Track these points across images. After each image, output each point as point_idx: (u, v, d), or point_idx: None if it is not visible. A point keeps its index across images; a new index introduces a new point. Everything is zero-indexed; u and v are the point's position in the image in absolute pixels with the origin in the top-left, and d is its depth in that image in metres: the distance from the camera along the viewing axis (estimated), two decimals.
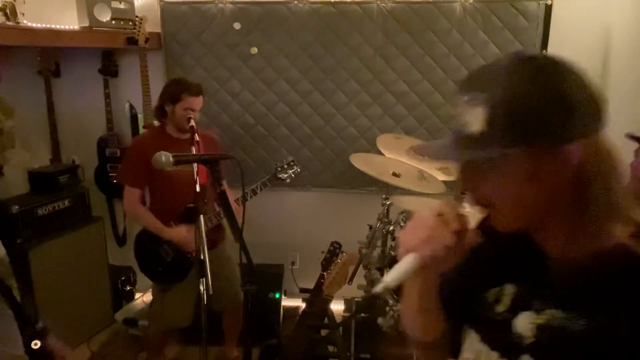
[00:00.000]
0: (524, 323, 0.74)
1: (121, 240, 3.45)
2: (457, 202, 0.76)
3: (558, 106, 0.65)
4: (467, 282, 0.86)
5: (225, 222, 2.49)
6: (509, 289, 0.79)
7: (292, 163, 2.59)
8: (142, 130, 3.09)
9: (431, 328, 0.86)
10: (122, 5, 2.90)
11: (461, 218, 0.74)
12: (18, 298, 1.57)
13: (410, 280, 0.79)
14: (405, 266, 0.75)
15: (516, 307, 0.76)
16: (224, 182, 2.56)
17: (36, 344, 1.55)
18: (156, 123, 2.92)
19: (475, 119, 0.68)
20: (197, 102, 2.38)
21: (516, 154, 0.67)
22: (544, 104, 0.65)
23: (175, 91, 2.37)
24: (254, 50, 3.08)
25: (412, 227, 0.76)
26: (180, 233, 2.39)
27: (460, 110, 0.71)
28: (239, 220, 1.69)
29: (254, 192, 2.50)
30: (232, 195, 2.41)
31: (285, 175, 2.57)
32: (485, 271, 0.84)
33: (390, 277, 0.74)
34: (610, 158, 0.69)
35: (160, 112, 2.45)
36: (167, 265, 2.47)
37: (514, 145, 0.66)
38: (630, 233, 0.68)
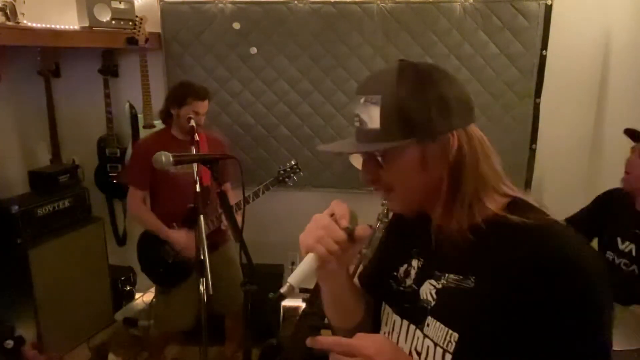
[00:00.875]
0: (427, 290, 0.85)
1: (121, 240, 3.45)
2: (344, 203, 0.86)
3: (438, 104, 0.78)
4: (382, 264, 0.99)
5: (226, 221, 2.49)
6: (415, 263, 0.91)
7: (295, 167, 2.59)
8: (142, 130, 3.08)
9: (349, 316, 0.96)
10: (122, 5, 2.90)
11: (350, 214, 0.84)
12: None
13: (318, 276, 0.88)
14: (306, 266, 0.81)
15: (421, 278, 0.88)
16: (229, 184, 2.58)
17: (8, 344, 1.54)
18: (157, 123, 2.93)
19: (372, 117, 0.80)
20: (203, 106, 2.40)
21: (408, 146, 0.79)
22: (426, 102, 0.78)
23: (181, 95, 2.38)
24: (254, 50, 3.08)
25: (309, 228, 0.84)
26: (180, 237, 2.39)
27: (359, 110, 0.83)
28: (239, 221, 1.69)
29: (256, 195, 2.50)
30: (236, 198, 2.42)
31: (289, 180, 2.57)
32: (395, 252, 0.96)
33: (293, 277, 0.80)
34: (480, 144, 0.81)
35: (166, 115, 2.46)
36: (169, 267, 2.47)
37: (406, 138, 0.78)
38: (503, 205, 0.80)
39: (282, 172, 2.55)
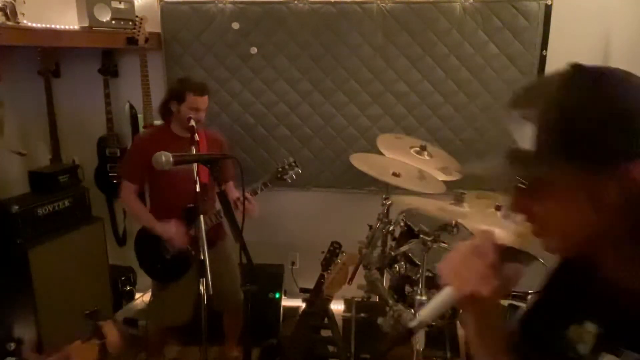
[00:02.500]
0: None
1: (121, 240, 3.45)
2: (493, 233, 0.72)
3: (616, 122, 0.60)
4: (546, 318, 0.79)
5: (225, 221, 2.49)
6: (590, 328, 0.71)
7: (293, 164, 2.59)
8: (142, 130, 3.09)
9: (495, 350, 0.80)
10: (122, 5, 2.90)
11: (499, 249, 0.70)
12: None
13: (464, 318, 0.77)
14: (441, 300, 0.73)
15: (598, 349, 0.69)
16: (232, 183, 2.58)
17: (10, 346, 1.55)
18: (157, 123, 2.92)
19: (526, 137, 0.64)
20: (202, 101, 2.39)
21: (570, 174, 0.62)
22: (600, 119, 0.60)
23: (180, 90, 2.38)
24: (254, 50, 3.08)
25: (449, 258, 0.74)
26: (169, 229, 2.38)
27: (511, 127, 0.67)
28: (240, 220, 1.69)
29: (254, 192, 2.50)
30: (234, 194, 2.42)
31: (287, 176, 2.57)
32: (565, 306, 0.76)
33: (425, 312, 0.73)
34: None
35: (166, 111, 2.45)
36: (166, 262, 2.47)
37: (568, 165, 0.62)
38: None
39: (280, 169, 2.55)
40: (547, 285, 0.84)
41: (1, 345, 1.53)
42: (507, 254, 0.72)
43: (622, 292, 0.66)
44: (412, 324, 0.73)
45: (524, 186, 0.68)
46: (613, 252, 0.66)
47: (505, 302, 2.01)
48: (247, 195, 2.29)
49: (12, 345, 1.55)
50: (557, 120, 0.62)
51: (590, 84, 0.62)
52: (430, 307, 0.74)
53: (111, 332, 1.49)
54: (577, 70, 0.64)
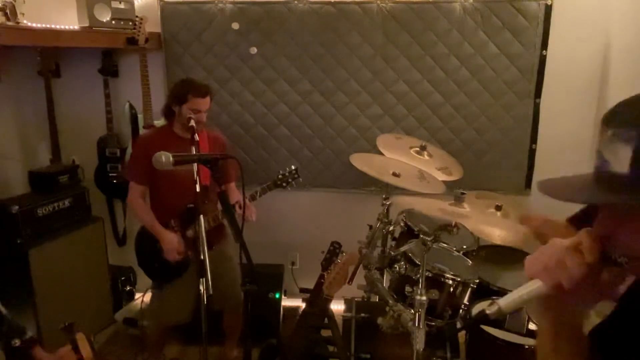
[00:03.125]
0: None
1: (121, 240, 3.45)
2: (597, 235, 0.67)
3: None
4: (629, 330, 0.75)
5: (226, 221, 2.50)
6: None
7: (294, 173, 2.58)
8: (142, 130, 3.09)
9: None
10: (122, 5, 2.90)
11: (600, 253, 0.66)
12: None
13: (541, 317, 0.74)
14: (524, 292, 0.70)
15: None
16: (233, 184, 2.58)
17: (15, 342, 1.55)
18: (157, 123, 2.92)
19: (620, 158, 0.60)
20: (204, 103, 2.39)
21: None
22: None
23: (182, 92, 2.38)
24: (254, 50, 3.08)
25: (542, 251, 0.70)
26: (171, 241, 2.39)
27: (604, 145, 0.63)
28: (240, 221, 1.69)
29: (253, 197, 2.50)
30: (240, 197, 2.42)
31: (287, 185, 2.58)
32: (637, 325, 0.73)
33: (506, 301, 0.70)
34: None
35: (168, 112, 2.46)
36: (165, 262, 2.47)
37: None
38: None
39: (280, 176, 2.56)
40: (626, 298, 0.78)
41: (7, 342, 1.54)
42: (609, 259, 0.66)
43: None
44: (490, 310, 0.71)
45: (611, 209, 0.65)
46: None
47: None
48: (246, 201, 2.29)
49: (17, 342, 1.56)
50: None
51: None
52: (511, 297, 0.71)
53: (84, 347, 1.51)
54: None
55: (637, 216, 0.61)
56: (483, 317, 0.70)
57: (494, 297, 2.16)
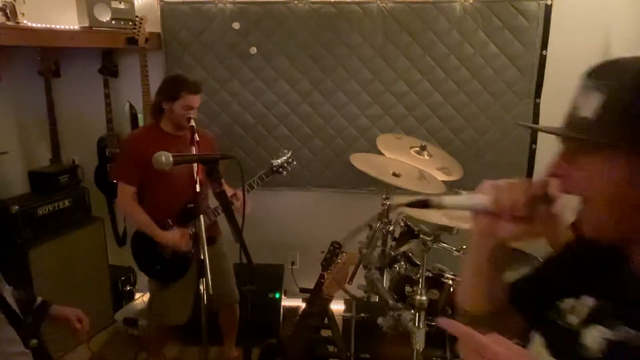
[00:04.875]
0: (595, 337, 0.71)
1: (121, 240, 3.45)
2: (551, 182, 0.74)
3: None
4: (545, 287, 0.84)
5: (219, 219, 2.49)
6: (587, 301, 0.75)
7: (289, 158, 2.61)
8: (131, 131, 3.08)
9: (481, 299, 0.84)
10: (122, 5, 2.90)
11: (544, 189, 0.73)
12: (9, 300, 1.57)
13: (472, 232, 0.80)
14: (468, 199, 0.78)
15: (589, 320, 0.73)
16: (223, 181, 2.57)
17: (33, 343, 1.56)
18: (146, 124, 2.91)
19: (589, 105, 0.67)
20: (196, 100, 2.37)
21: (619, 151, 0.65)
22: None
23: (174, 89, 2.34)
24: (253, 50, 3.08)
25: (499, 180, 0.76)
26: (173, 237, 2.37)
27: (580, 93, 0.71)
28: (239, 219, 1.69)
29: (251, 187, 2.50)
30: (229, 191, 2.42)
31: (279, 162, 2.57)
32: (565, 279, 0.81)
33: (451, 198, 0.77)
34: None
35: (158, 109, 2.41)
36: (165, 262, 2.46)
37: (620, 142, 0.64)
38: None
39: (275, 163, 2.57)
40: (549, 260, 0.90)
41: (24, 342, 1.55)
42: (551, 200, 0.73)
43: (636, 278, 0.69)
44: (432, 200, 0.76)
45: (572, 151, 0.71)
46: (639, 236, 0.69)
47: None
48: (238, 193, 2.27)
49: (35, 342, 1.56)
50: (625, 100, 0.64)
51: None
52: (457, 198, 0.78)
53: None
54: None
55: (594, 161, 0.67)
56: (424, 202, 0.77)
57: None
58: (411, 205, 0.79)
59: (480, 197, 0.76)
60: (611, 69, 0.69)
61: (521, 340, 0.84)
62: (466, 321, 0.75)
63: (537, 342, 0.81)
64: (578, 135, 0.69)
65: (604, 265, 0.76)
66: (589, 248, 0.77)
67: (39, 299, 1.72)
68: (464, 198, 0.79)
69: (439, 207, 0.78)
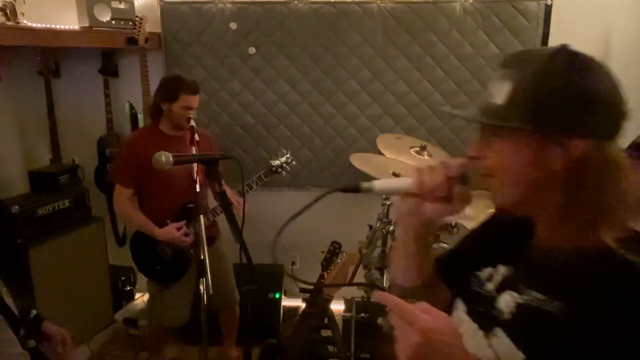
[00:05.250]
0: (507, 301, 0.79)
1: (121, 240, 3.45)
2: (466, 162, 0.81)
3: (579, 103, 0.69)
4: (467, 260, 0.93)
5: (218, 219, 2.49)
6: (501, 270, 0.84)
7: (288, 158, 2.60)
8: (130, 133, 3.08)
9: (413, 273, 0.92)
10: (122, 5, 2.90)
11: (462, 171, 0.79)
12: (7, 301, 1.57)
13: (400, 212, 0.89)
14: (396, 182, 0.87)
15: (503, 287, 0.82)
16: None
17: (31, 344, 1.55)
18: (144, 125, 2.91)
19: (501, 92, 0.73)
20: (195, 100, 2.37)
21: (526, 135, 0.71)
22: (566, 96, 0.69)
23: (172, 89, 2.34)
24: (252, 50, 3.07)
25: (424, 165, 0.84)
26: (170, 232, 2.37)
27: (493, 81, 0.76)
28: (239, 219, 1.69)
29: (250, 187, 2.50)
30: (228, 191, 2.42)
31: (278, 163, 2.57)
32: (484, 250, 0.90)
33: (380, 183, 0.85)
34: (615, 167, 0.71)
35: (156, 110, 2.41)
36: (165, 263, 2.46)
37: (528, 125, 0.70)
38: (620, 238, 0.71)
39: (274, 163, 2.57)
40: (470, 234, 1.01)
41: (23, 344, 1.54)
42: (467, 180, 0.80)
43: (545, 246, 0.77)
44: (364, 184, 0.84)
45: (486, 134, 0.78)
46: (544, 212, 0.76)
47: None
48: (236, 195, 2.28)
49: (32, 343, 1.56)
50: (531, 87, 0.71)
51: (568, 65, 0.70)
52: (385, 182, 0.86)
53: None
54: (561, 50, 0.72)
55: (505, 144, 0.74)
56: (355, 188, 0.85)
57: None
58: (344, 190, 0.87)
59: (406, 181, 0.83)
60: (519, 59, 0.76)
61: (448, 308, 0.91)
62: (398, 294, 0.80)
63: (460, 308, 0.89)
64: (488, 121, 0.75)
65: (516, 237, 0.83)
66: (503, 222, 0.87)
67: (34, 312, 1.70)
68: (392, 181, 0.87)
69: (369, 191, 0.85)
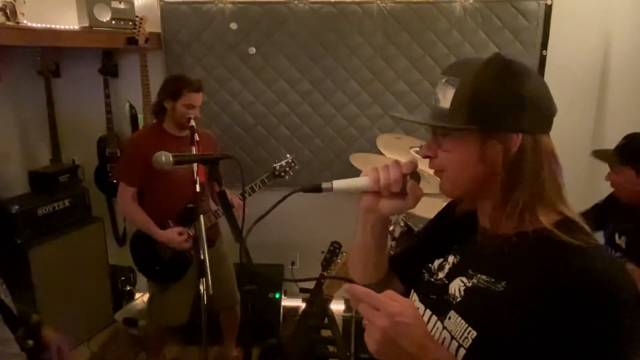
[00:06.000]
0: (456, 286, 0.87)
1: (121, 240, 3.45)
2: (416, 160, 0.90)
3: (513, 102, 0.78)
4: (419, 253, 1.01)
5: (220, 220, 2.49)
6: (451, 259, 0.93)
7: (291, 162, 2.58)
8: (134, 132, 3.08)
9: (371, 270, 1.01)
10: (122, 5, 2.90)
11: (413, 167, 0.89)
12: (5, 299, 1.56)
13: (360, 207, 0.97)
14: (354, 182, 0.92)
15: (453, 274, 0.90)
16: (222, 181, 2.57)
17: (29, 344, 1.55)
18: (149, 124, 2.91)
19: (446, 97, 0.82)
20: (198, 98, 2.36)
21: (469, 133, 0.80)
22: (501, 98, 0.78)
23: (175, 88, 2.34)
24: (252, 50, 3.08)
25: (379, 164, 0.91)
26: (172, 236, 2.37)
27: (439, 87, 0.84)
28: (240, 220, 1.68)
29: (252, 190, 2.50)
30: (231, 194, 2.42)
31: (281, 165, 2.56)
32: (434, 245, 0.98)
33: (339, 182, 0.90)
34: (548, 156, 0.81)
35: (160, 109, 2.41)
36: (165, 264, 2.46)
37: (470, 125, 0.79)
38: (554, 221, 0.79)
39: (277, 167, 2.56)
40: (422, 230, 1.12)
41: (22, 344, 1.54)
42: (419, 177, 0.89)
43: (488, 233, 0.85)
44: (324, 184, 0.90)
45: (436, 136, 0.85)
46: (487, 201, 0.85)
47: None
48: (237, 198, 2.27)
49: (30, 343, 1.55)
50: (470, 91, 0.79)
51: (501, 70, 0.79)
52: (344, 181, 0.92)
53: None
54: (495, 57, 0.80)
55: (452, 143, 0.82)
56: (317, 187, 0.90)
57: None
58: (306, 190, 0.92)
59: (364, 179, 0.91)
60: (460, 65, 0.84)
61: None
62: None
63: (414, 298, 0.96)
64: (437, 124, 0.84)
65: (463, 228, 0.92)
66: (451, 217, 0.96)
67: (34, 317, 1.70)
68: (351, 181, 0.92)
69: (330, 190, 0.90)
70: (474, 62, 0.81)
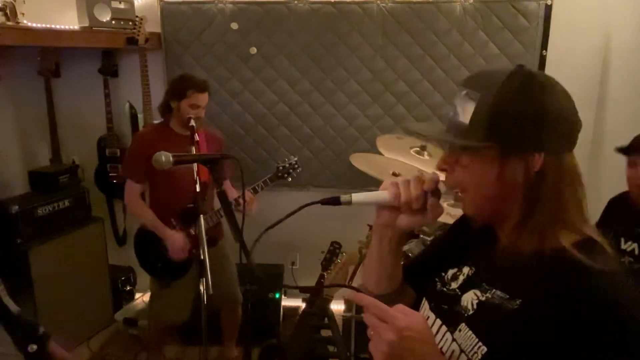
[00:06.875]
0: (470, 298, 0.85)
1: (121, 240, 3.45)
2: (439, 175, 0.87)
3: (535, 120, 0.75)
4: (432, 262, 0.99)
5: (224, 220, 2.49)
6: (465, 270, 0.90)
7: (294, 164, 2.59)
8: (141, 129, 3.08)
9: (385, 281, 0.97)
10: (122, 5, 2.90)
11: (435, 184, 0.86)
12: (5, 299, 1.56)
13: (377, 220, 0.93)
14: (374, 196, 0.89)
15: (467, 286, 0.87)
16: (228, 181, 2.58)
17: (32, 348, 1.54)
18: (157, 123, 2.92)
19: (465, 111, 0.79)
20: (203, 98, 2.38)
21: (489, 151, 0.77)
22: (523, 114, 0.75)
23: (181, 87, 2.36)
24: (253, 50, 3.08)
25: (399, 178, 0.89)
26: (177, 239, 2.37)
27: (457, 101, 0.82)
28: (240, 220, 1.69)
29: (255, 191, 2.50)
30: (235, 194, 2.42)
31: (285, 166, 2.57)
32: (449, 255, 0.96)
33: (357, 195, 0.88)
34: (570, 177, 0.78)
35: (166, 109, 2.44)
36: (168, 261, 2.46)
37: (489, 143, 0.76)
38: (575, 241, 0.76)
39: (281, 168, 2.56)
40: (436, 240, 1.10)
41: (23, 348, 1.53)
42: (439, 193, 0.87)
43: (507, 250, 0.82)
44: (343, 197, 0.88)
45: (454, 151, 0.83)
46: (507, 219, 0.81)
47: None
48: (248, 194, 2.28)
49: (34, 347, 1.55)
50: (491, 107, 0.76)
51: (524, 85, 0.76)
52: (363, 194, 0.88)
53: None
54: (517, 71, 0.77)
55: (470, 159, 0.80)
56: (335, 200, 0.89)
57: None
58: (324, 202, 0.91)
59: (383, 194, 0.88)
60: (482, 78, 0.81)
61: (413, 308, 0.93)
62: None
63: (425, 307, 0.94)
64: (456, 141, 0.81)
65: (480, 240, 0.89)
66: (469, 227, 0.91)
67: (41, 329, 1.69)
68: (370, 195, 0.89)
69: (349, 204, 0.88)
70: (496, 76, 0.78)
